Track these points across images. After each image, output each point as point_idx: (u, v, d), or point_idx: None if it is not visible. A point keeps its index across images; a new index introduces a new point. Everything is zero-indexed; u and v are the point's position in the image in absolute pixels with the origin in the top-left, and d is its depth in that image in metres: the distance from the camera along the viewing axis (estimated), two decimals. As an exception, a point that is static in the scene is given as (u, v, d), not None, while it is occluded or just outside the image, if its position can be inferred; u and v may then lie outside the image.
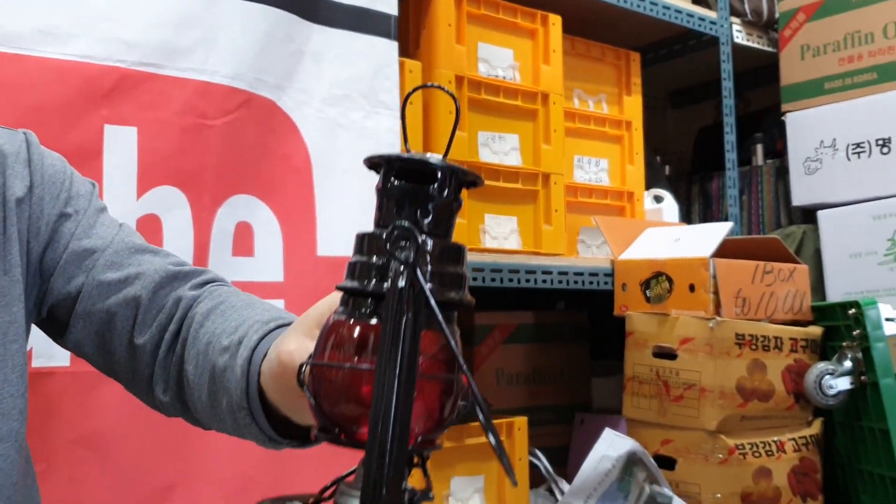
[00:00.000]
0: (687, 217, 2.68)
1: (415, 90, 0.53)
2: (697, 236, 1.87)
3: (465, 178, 0.46)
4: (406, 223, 0.42)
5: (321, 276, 1.35)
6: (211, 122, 1.23)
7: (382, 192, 0.45)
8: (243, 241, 1.30)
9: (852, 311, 1.76)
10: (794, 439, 1.78)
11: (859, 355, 1.76)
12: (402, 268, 0.41)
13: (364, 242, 0.45)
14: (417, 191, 0.44)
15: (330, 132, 1.36)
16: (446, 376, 0.44)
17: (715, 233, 1.83)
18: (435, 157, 0.45)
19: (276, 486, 1.28)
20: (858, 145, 2.26)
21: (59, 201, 0.74)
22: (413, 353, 0.40)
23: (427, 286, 0.41)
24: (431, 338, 0.43)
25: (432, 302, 0.41)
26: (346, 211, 1.38)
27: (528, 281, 1.68)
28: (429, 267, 0.43)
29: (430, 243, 0.44)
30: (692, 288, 1.75)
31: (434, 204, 0.45)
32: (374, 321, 0.43)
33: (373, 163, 0.46)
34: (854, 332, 1.76)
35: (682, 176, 2.81)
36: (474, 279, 1.58)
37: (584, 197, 1.95)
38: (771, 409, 1.75)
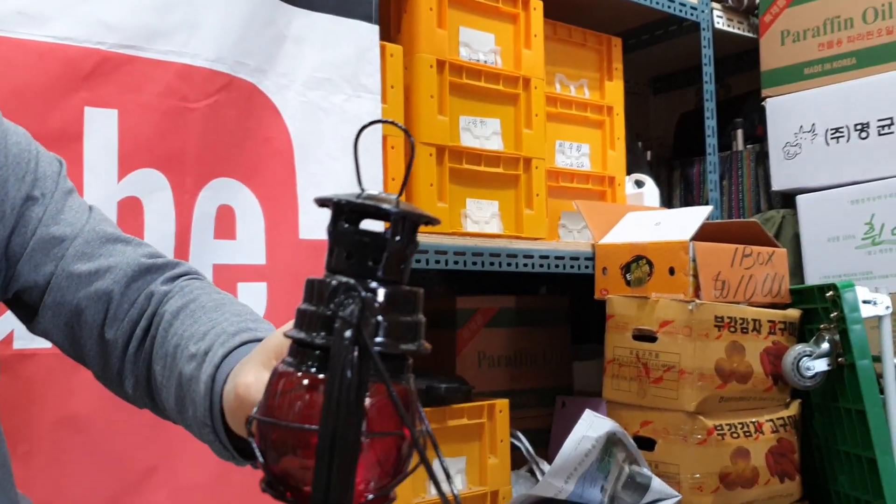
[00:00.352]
0: (668, 202, 2.70)
1: (364, 127, 0.50)
2: (677, 220, 1.88)
3: (419, 221, 0.44)
4: (350, 280, 0.41)
5: (303, 259, 1.36)
6: (192, 104, 1.23)
7: (332, 235, 0.43)
8: (225, 224, 1.30)
9: (830, 293, 1.79)
10: (771, 420, 1.81)
11: (836, 337, 1.78)
12: (345, 326, 0.39)
13: (313, 290, 0.43)
14: (367, 237, 0.42)
15: (311, 116, 1.36)
16: (393, 432, 0.42)
17: (695, 217, 1.84)
18: (387, 201, 0.42)
19: (256, 470, 1.29)
20: (837, 130, 2.28)
21: (25, 183, 0.71)
22: (357, 412, 0.38)
23: (375, 342, 0.40)
24: (382, 390, 0.41)
25: (377, 361, 0.39)
26: (328, 193, 1.38)
27: (509, 265, 1.69)
28: (379, 318, 0.41)
29: (381, 293, 0.42)
30: (672, 271, 1.76)
31: (387, 250, 0.42)
32: (320, 375, 0.42)
33: (322, 203, 0.44)
34: (831, 315, 1.78)
35: (664, 161, 2.82)
36: (455, 263, 1.58)
37: (565, 182, 1.96)
38: (749, 391, 1.77)
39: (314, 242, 1.37)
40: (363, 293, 0.40)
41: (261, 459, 0.43)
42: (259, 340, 0.62)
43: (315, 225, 1.37)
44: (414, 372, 0.46)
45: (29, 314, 0.73)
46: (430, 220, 0.44)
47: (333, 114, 1.39)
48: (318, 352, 0.42)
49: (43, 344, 1.12)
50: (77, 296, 0.70)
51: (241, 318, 0.66)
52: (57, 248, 0.71)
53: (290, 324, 0.55)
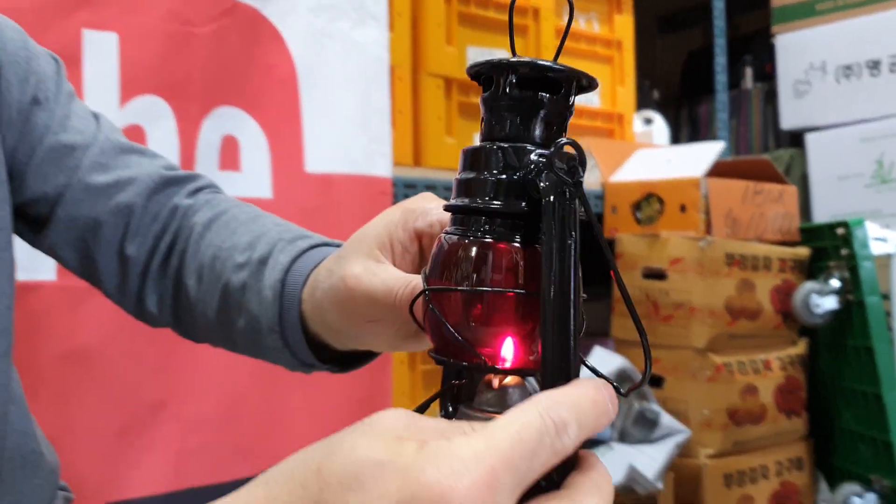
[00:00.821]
0: (675, 142, 2.66)
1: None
2: (689, 157, 1.85)
3: (582, 84, 0.42)
4: (562, 139, 0.38)
5: (310, 194, 1.32)
6: (195, 29, 1.18)
7: (496, 101, 0.41)
8: (230, 155, 1.26)
9: (840, 230, 1.77)
10: (780, 358, 1.80)
11: (846, 274, 1.76)
12: (565, 188, 0.37)
13: (493, 157, 0.40)
14: (541, 100, 0.40)
15: (316, 42, 1.32)
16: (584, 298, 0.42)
17: (706, 153, 1.81)
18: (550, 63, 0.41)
19: (266, 403, 1.27)
20: (848, 67, 2.24)
21: (29, 84, 0.65)
22: (577, 276, 0.38)
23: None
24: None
25: (595, 223, 0.39)
26: (334, 126, 1.35)
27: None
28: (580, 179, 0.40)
29: (575, 157, 0.40)
30: (683, 208, 1.74)
31: (557, 112, 0.41)
32: (517, 242, 0.40)
33: (479, 72, 0.42)
34: (841, 252, 1.77)
35: (671, 101, 2.78)
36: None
37: (573, 118, 1.92)
38: (758, 328, 1.76)
39: (320, 177, 1.33)
40: (574, 157, 0.38)
41: (448, 330, 0.41)
42: (329, 245, 0.60)
43: (321, 158, 1.33)
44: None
45: (35, 228, 0.68)
46: (592, 81, 0.42)
47: (338, 41, 1.35)
48: (510, 220, 0.40)
49: (47, 275, 1.10)
50: (95, 209, 0.66)
51: (286, 227, 0.63)
52: (69, 158, 0.66)
53: (384, 216, 0.53)
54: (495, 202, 0.40)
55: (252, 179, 1.29)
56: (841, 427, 1.86)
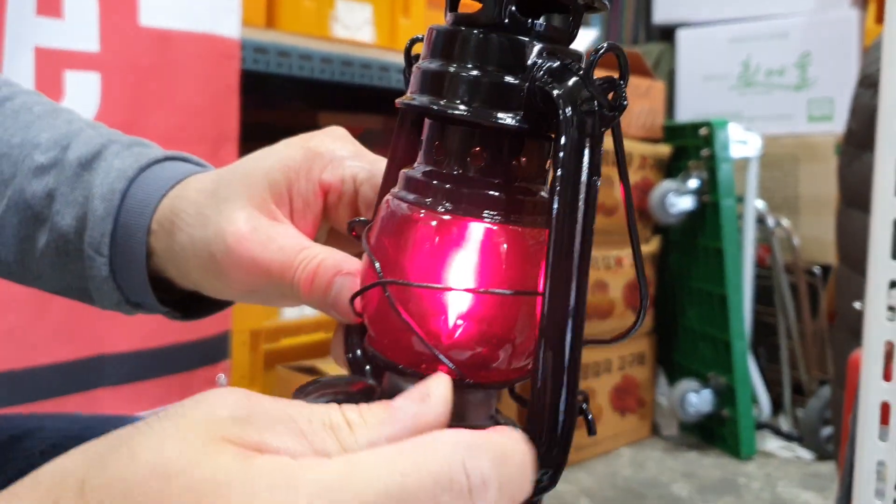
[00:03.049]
0: (547, 28, 2.59)
1: None
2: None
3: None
4: (613, 43, 0.28)
5: (143, 49, 1.17)
6: None
7: None
8: (48, -2, 1.09)
9: (704, 130, 1.76)
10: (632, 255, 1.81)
11: (704, 175, 1.77)
12: (597, 111, 0.27)
13: (480, 45, 0.28)
14: None
15: None
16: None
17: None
18: None
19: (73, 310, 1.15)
20: (724, -36, 2.21)
21: None
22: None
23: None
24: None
25: (626, 180, 0.29)
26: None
27: (380, 79, 1.55)
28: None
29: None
30: (550, 97, 1.68)
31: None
32: (512, 219, 0.28)
33: None
34: (702, 152, 1.76)
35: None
36: (322, 72, 1.43)
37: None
38: (613, 225, 1.75)
39: (156, 32, 1.18)
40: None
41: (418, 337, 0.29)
42: (187, 161, 0.45)
43: (157, 10, 1.18)
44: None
45: None
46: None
47: None
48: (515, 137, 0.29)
49: None
50: None
51: (105, 129, 0.47)
52: None
53: (279, 146, 0.39)
54: (483, 111, 0.28)
55: (76, 28, 1.12)
56: (684, 325, 1.91)
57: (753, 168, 1.81)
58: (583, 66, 0.28)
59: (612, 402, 1.80)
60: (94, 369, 1.11)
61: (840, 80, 1.96)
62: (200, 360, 1.21)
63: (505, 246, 0.29)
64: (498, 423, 0.30)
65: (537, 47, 0.28)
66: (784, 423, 1.90)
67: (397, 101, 0.31)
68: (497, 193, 0.29)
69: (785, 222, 1.92)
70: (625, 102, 0.28)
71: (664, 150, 1.86)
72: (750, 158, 1.79)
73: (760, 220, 1.87)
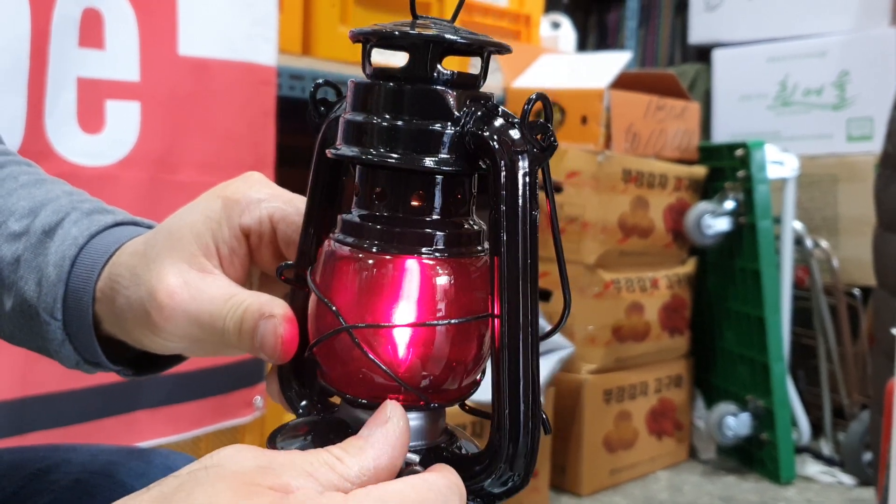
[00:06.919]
0: (582, 48, 2.59)
1: None
2: (594, 66, 1.79)
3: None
4: (541, 93, 0.31)
5: (182, 78, 1.20)
6: None
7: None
8: (92, 30, 1.12)
9: (740, 151, 1.75)
10: (668, 276, 1.80)
11: (741, 196, 1.76)
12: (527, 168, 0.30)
13: (407, 96, 0.31)
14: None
15: None
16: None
17: (612, 64, 1.75)
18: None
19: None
20: (761, -18, 2.20)
21: None
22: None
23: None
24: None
25: (553, 199, 0.33)
26: (212, 4, 1.22)
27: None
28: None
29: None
30: (584, 120, 1.68)
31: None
32: (440, 250, 0.32)
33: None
34: (738, 174, 1.75)
35: (580, 5, 2.70)
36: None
37: (479, 16, 1.83)
38: (649, 246, 1.74)
39: (195, 61, 1.21)
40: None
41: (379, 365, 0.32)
42: (137, 224, 0.48)
43: (197, 40, 1.20)
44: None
45: None
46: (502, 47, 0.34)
47: None
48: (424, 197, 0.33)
49: None
50: None
51: (80, 197, 0.50)
52: None
53: (203, 201, 0.42)
54: (422, 156, 0.31)
55: (117, 59, 1.15)
56: (722, 347, 1.89)
57: (790, 189, 1.79)
58: (501, 108, 0.31)
59: (649, 424, 1.78)
60: (131, 392, 1.13)
61: (880, 98, 1.93)
62: (236, 382, 1.22)
63: (447, 278, 0.32)
64: (453, 435, 0.35)
65: (460, 94, 0.31)
66: (825, 448, 1.87)
67: (328, 151, 0.34)
68: (432, 230, 0.32)
69: (824, 243, 1.90)
70: (554, 143, 0.31)
71: (700, 171, 1.86)
72: (787, 179, 1.78)
73: (798, 242, 1.85)
